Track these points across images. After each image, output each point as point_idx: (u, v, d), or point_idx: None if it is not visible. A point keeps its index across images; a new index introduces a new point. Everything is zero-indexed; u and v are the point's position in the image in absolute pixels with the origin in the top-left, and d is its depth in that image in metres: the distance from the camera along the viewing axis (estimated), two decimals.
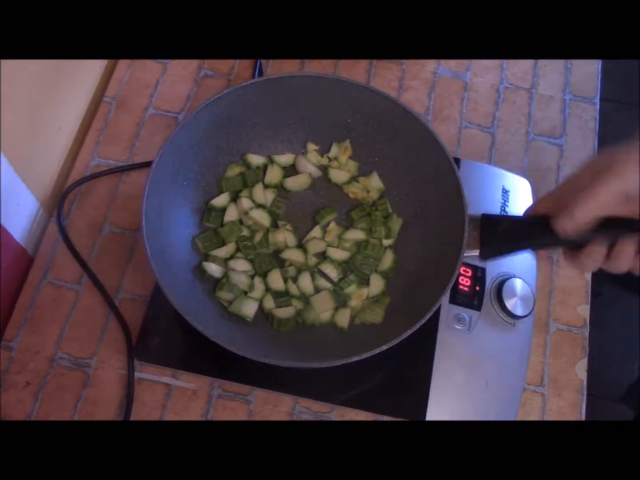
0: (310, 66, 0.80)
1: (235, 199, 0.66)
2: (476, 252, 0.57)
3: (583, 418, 0.65)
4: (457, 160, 0.72)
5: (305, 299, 0.63)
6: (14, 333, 0.66)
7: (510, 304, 0.64)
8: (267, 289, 0.63)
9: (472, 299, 0.65)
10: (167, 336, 0.63)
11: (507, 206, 0.70)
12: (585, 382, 0.66)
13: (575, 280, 0.71)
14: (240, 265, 0.63)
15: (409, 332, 0.52)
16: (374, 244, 0.65)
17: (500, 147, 0.78)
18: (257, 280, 0.63)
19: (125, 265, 0.69)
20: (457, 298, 0.65)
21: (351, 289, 0.63)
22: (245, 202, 0.65)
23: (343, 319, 0.62)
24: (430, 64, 0.82)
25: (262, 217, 0.65)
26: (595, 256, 0.48)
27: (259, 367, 0.63)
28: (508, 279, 0.65)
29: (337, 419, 0.64)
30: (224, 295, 0.61)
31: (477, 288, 0.65)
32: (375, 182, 0.68)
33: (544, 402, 0.65)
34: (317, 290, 0.63)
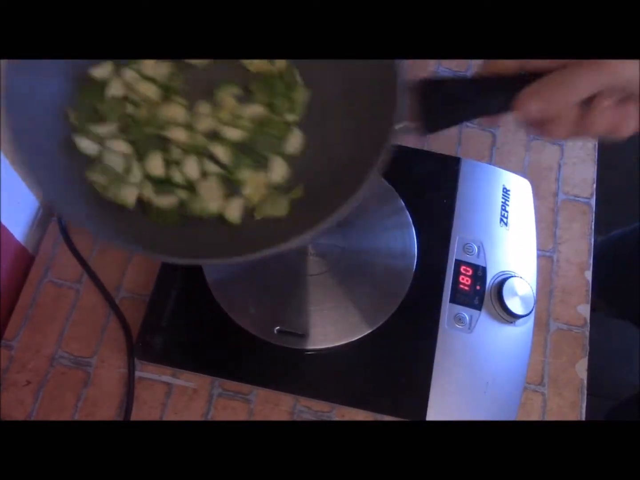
0: None
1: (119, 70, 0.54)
2: (417, 124, 0.48)
3: (583, 418, 0.65)
4: (457, 160, 0.72)
5: (191, 187, 0.53)
6: (15, 332, 0.66)
7: (510, 303, 0.64)
8: (146, 176, 0.52)
9: (472, 299, 0.65)
10: (167, 335, 0.63)
11: (508, 205, 0.70)
12: (585, 382, 0.66)
13: (575, 280, 0.71)
14: (118, 145, 0.52)
15: (324, 225, 0.43)
16: (275, 120, 0.54)
17: (501, 146, 0.78)
18: (136, 164, 0.52)
19: (125, 264, 0.69)
20: (458, 297, 0.65)
21: (245, 173, 0.53)
22: (129, 74, 0.53)
23: (234, 210, 0.52)
24: (431, 64, 0.82)
25: (150, 91, 0.53)
26: (567, 118, 0.42)
27: (259, 366, 0.63)
28: (509, 278, 0.65)
29: (337, 419, 0.64)
30: (97, 177, 0.50)
31: (478, 287, 0.65)
32: None
33: (544, 402, 0.65)
34: (205, 176, 0.53)
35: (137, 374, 0.64)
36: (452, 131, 0.78)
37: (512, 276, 0.65)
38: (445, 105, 0.48)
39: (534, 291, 0.65)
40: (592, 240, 0.73)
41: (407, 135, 0.47)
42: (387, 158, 0.45)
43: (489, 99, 0.47)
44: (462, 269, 0.66)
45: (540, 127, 0.44)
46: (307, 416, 0.64)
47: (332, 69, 0.54)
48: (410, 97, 0.47)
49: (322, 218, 0.44)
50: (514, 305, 0.64)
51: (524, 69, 0.45)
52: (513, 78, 0.45)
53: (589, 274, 0.71)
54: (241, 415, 0.63)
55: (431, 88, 0.49)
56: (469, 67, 0.82)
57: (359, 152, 0.50)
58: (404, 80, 0.48)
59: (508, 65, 0.45)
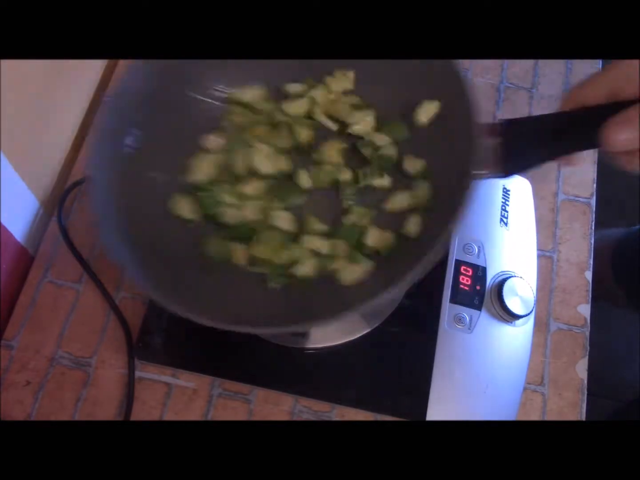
0: None
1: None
2: (497, 168, 0.47)
3: (583, 418, 0.65)
4: None
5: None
6: (14, 332, 0.66)
7: (510, 303, 0.64)
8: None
9: (472, 298, 0.65)
10: (167, 335, 0.63)
11: (508, 205, 0.70)
12: (585, 382, 0.66)
13: (575, 280, 0.71)
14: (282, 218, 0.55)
15: (412, 276, 0.43)
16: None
17: None
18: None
19: None
20: (458, 297, 0.65)
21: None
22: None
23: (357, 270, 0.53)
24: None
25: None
26: None
27: (259, 366, 0.63)
28: (509, 278, 0.65)
29: (337, 419, 0.64)
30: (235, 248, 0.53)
31: (478, 287, 0.65)
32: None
33: (544, 402, 0.65)
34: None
35: (137, 374, 0.64)
36: None
37: (512, 276, 0.65)
38: (528, 146, 0.46)
39: (534, 291, 0.65)
40: (592, 240, 0.73)
41: (484, 180, 0.45)
42: (467, 207, 0.44)
43: (574, 134, 0.44)
44: (462, 269, 0.66)
45: (628, 158, 0.42)
46: (307, 416, 0.64)
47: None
48: (487, 139, 0.45)
49: (409, 269, 0.43)
50: (514, 305, 0.64)
51: (613, 99, 0.42)
52: (600, 109, 0.43)
53: (589, 274, 0.71)
54: (241, 415, 0.63)
55: (513, 130, 0.46)
56: (469, 66, 0.82)
57: (438, 201, 0.50)
58: (481, 122, 0.46)
59: (594, 95, 0.43)
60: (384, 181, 0.56)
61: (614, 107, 0.41)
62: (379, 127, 0.57)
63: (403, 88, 0.55)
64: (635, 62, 0.41)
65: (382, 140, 0.57)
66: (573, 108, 0.44)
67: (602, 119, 0.41)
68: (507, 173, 0.47)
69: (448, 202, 0.46)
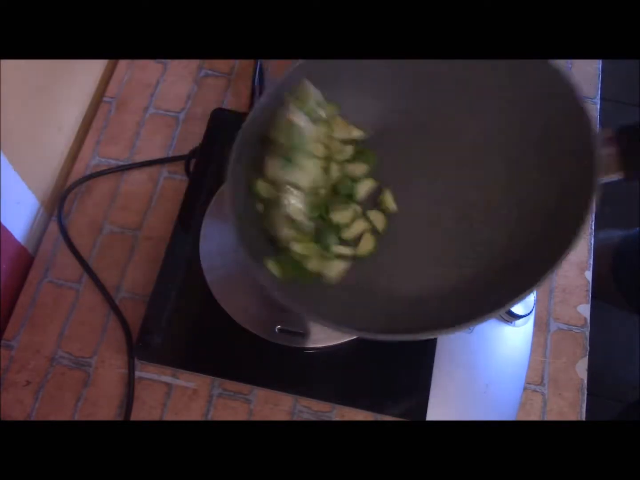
0: None
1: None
2: (619, 176, 0.45)
3: (583, 418, 0.65)
4: None
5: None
6: (14, 332, 0.66)
7: None
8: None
9: None
10: (167, 335, 0.63)
11: None
12: (585, 382, 0.66)
13: (575, 280, 0.71)
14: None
15: (529, 292, 0.44)
16: None
17: None
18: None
19: (125, 264, 0.69)
20: None
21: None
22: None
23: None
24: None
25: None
26: None
27: (259, 365, 0.63)
28: None
29: (337, 419, 0.64)
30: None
31: None
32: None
33: (544, 402, 0.65)
34: None
35: (137, 374, 0.64)
36: None
37: None
38: None
39: (534, 291, 0.65)
40: (592, 240, 0.73)
41: (607, 188, 0.45)
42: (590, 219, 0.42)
43: None
44: None
45: None
46: (307, 416, 0.64)
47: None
48: (604, 147, 0.45)
49: (529, 284, 0.44)
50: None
51: None
52: None
53: (589, 274, 0.71)
54: (241, 415, 0.63)
55: (633, 135, 0.45)
56: None
57: (558, 216, 0.49)
58: (600, 130, 0.46)
59: None
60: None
61: None
62: None
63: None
64: None
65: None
66: None
67: None
68: (633, 178, 0.46)
69: (569, 222, 0.46)
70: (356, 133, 0.59)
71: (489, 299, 0.46)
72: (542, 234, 0.50)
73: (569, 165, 0.48)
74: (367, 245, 0.57)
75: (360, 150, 0.59)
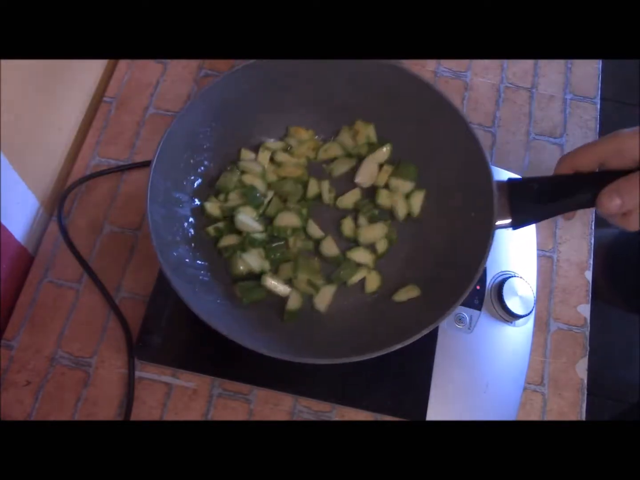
0: None
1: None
2: (507, 221, 0.54)
3: (583, 418, 0.65)
4: None
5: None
6: (14, 332, 0.66)
7: (510, 303, 0.64)
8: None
9: (472, 298, 0.65)
10: (167, 335, 0.63)
11: None
12: (585, 382, 0.66)
13: (575, 280, 0.71)
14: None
15: (454, 307, 0.51)
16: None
17: (501, 146, 0.78)
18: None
19: (125, 264, 0.69)
20: None
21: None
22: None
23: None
24: (430, 64, 0.82)
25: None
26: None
27: (259, 366, 0.63)
28: (509, 278, 0.65)
29: (337, 419, 0.64)
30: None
31: (478, 287, 0.65)
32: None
33: (544, 402, 0.65)
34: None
35: (137, 374, 0.64)
36: None
37: (512, 276, 0.65)
38: (535, 203, 0.54)
39: (534, 291, 0.65)
40: (592, 240, 0.73)
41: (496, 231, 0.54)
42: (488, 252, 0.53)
43: (571, 196, 0.52)
44: None
45: (620, 219, 0.50)
46: (307, 416, 0.64)
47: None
48: (499, 195, 0.54)
49: (443, 311, 0.51)
50: (514, 305, 0.64)
51: (602, 168, 0.51)
52: (592, 177, 0.51)
53: (589, 274, 0.71)
54: (241, 415, 0.63)
55: (519, 189, 0.54)
56: (469, 66, 0.82)
57: (462, 248, 0.57)
58: (497, 182, 0.54)
59: (586, 163, 0.51)
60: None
61: (604, 176, 0.50)
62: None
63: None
64: (620, 137, 0.49)
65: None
66: (566, 173, 0.52)
67: (594, 185, 0.50)
68: (516, 225, 0.55)
69: (469, 255, 0.55)
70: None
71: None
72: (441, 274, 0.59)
73: (471, 210, 0.58)
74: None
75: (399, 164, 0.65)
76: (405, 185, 0.64)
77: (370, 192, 0.66)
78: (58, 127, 0.73)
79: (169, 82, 0.79)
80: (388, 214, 0.64)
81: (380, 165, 0.65)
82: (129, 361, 0.64)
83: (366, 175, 0.65)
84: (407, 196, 0.64)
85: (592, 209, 0.74)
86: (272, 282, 0.60)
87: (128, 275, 0.69)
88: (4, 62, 0.56)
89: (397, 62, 0.60)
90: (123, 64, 0.80)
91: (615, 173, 0.49)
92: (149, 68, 0.80)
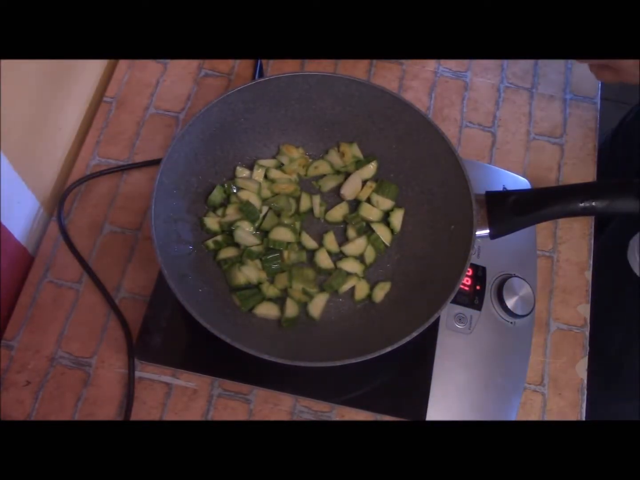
0: (310, 66, 0.80)
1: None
2: (486, 232, 0.57)
3: (583, 418, 0.65)
4: None
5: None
6: (15, 332, 0.66)
7: (510, 303, 0.64)
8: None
9: (472, 299, 0.65)
10: (167, 335, 0.63)
11: None
12: (585, 382, 0.66)
13: (575, 280, 0.71)
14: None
15: (435, 316, 0.53)
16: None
17: (501, 146, 0.78)
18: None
19: (125, 264, 0.69)
20: (458, 297, 0.65)
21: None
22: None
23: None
24: (430, 64, 0.82)
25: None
26: None
27: (259, 366, 0.63)
28: (508, 278, 0.65)
29: (337, 419, 0.64)
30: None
31: (478, 287, 0.65)
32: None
33: (544, 402, 0.65)
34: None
35: (137, 374, 0.64)
36: (453, 131, 0.78)
37: (512, 276, 0.65)
38: (512, 214, 0.57)
39: (534, 291, 0.65)
40: (592, 240, 0.73)
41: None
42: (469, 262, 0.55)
43: (548, 207, 0.55)
44: None
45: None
46: (307, 416, 0.64)
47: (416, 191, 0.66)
48: (478, 207, 0.57)
49: (426, 318, 0.54)
50: (514, 305, 0.64)
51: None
52: (567, 189, 0.54)
53: (589, 274, 0.71)
54: (241, 415, 0.63)
55: (496, 200, 0.57)
56: (469, 66, 0.82)
57: (444, 257, 0.60)
58: (475, 195, 0.57)
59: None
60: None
61: (576, 189, 0.54)
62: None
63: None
64: None
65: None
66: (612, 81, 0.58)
67: (570, 197, 0.54)
68: (494, 235, 0.58)
69: (451, 264, 0.57)
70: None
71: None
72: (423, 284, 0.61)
73: (451, 223, 0.61)
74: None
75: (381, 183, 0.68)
76: (386, 203, 0.66)
77: (356, 206, 0.68)
78: (58, 127, 0.73)
79: (169, 82, 0.79)
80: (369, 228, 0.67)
81: (365, 181, 0.68)
82: (129, 361, 0.64)
83: (350, 189, 0.68)
84: (388, 214, 0.66)
85: None
86: (262, 311, 0.62)
87: (128, 275, 0.69)
88: (4, 62, 0.56)
89: (383, 86, 0.64)
90: (123, 64, 0.80)
91: (583, 186, 0.54)
92: (149, 68, 0.80)
